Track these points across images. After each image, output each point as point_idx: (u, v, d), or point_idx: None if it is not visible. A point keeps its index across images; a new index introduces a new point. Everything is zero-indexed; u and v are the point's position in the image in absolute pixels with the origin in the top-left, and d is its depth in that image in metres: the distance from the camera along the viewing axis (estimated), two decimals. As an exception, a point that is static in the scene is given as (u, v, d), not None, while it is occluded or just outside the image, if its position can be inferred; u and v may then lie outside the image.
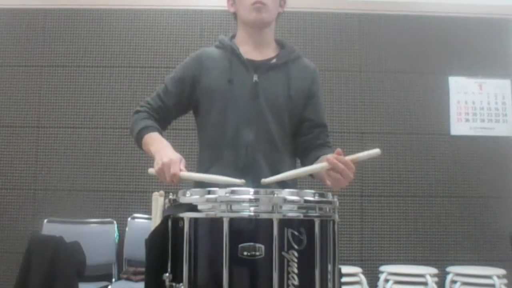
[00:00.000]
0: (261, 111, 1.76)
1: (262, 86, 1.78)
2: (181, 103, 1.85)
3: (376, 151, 1.48)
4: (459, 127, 4.18)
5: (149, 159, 1.67)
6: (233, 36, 1.91)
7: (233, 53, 1.82)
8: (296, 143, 1.86)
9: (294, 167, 1.83)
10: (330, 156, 1.48)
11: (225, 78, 1.78)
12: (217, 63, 1.82)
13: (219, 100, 1.77)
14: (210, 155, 1.79)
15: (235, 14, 1.89)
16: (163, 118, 1.85)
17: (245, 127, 1.74)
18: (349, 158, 1.47)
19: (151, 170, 1.60)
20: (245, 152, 1.72)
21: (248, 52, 1.83)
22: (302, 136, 1.85)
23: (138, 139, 1.78)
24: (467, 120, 4.19)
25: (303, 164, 1.83)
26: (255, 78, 1.78)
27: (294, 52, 1.88)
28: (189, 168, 1.57)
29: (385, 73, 4.21)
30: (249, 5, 1.77)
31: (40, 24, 4.18)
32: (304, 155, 1.85)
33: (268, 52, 1.86)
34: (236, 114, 1.75)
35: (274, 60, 1.83)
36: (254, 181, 1.47)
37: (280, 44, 1.91)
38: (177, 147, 1.64)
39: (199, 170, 1.81)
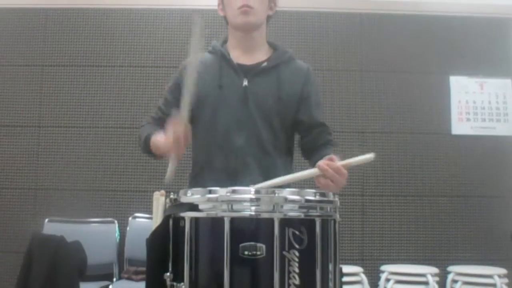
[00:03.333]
0: (251, 116, 1.76)
1: (252, 91, 1.77)
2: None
3: (369, 156, 1.46)
4: (460, 126, 4.18)
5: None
6: (225, 41, 1.91)
7: (223, 58, 1.82)
8: (301, 145, 1.87)
9: (286, 171, 1.82)
10: (320, 162, 1.48)
11: (215, 83, 1.78)
12: (208, 69, 1.82)
13: (209, 105, 1.78)
14: (201, 159, 1.80)
15: (225, 18, 1.89)
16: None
17: (235, 132, 1.75)
18: (341, 163, 1.47)
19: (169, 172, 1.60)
20: (235, 157, 1.73)
21: (239, 56, 1.83)
22: (302, 138, 1.86)
23: (147, 148, 1.80)
24: (468, 119, 4.19)
25: (311, 164, 1.82)
26: (245, 82, 1.78)
27: (287, 54, 1.87)
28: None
29: (386, 72, 4.21)
30: (236, 9, 1.77)
31: (41, 23, 4.19)
32: (309, 156, 1.84)
33: (259, 56, 1.85)
34: (226, 118, 1.76)
35: (264, 64, 1.82)
36: (245, 185, 1.46)
37: (273, 47, 1.90)
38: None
39: (191, 173, 1.84)
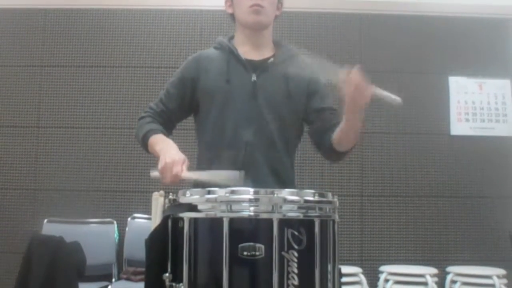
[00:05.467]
0: (260, 111, 1.77)
1: (260, 86, 1.78)
2: (183, 105, 1.86)
3: (398, 99, 1.57)
4: (459, 127, 4.18)
5: (150, 159, 1.68)
6: (232, 37, 1.92)
7: (231, 53, 1.83)
8: (312, 132, 1.85)
9: (292, 166, 1.85)
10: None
11: (223, 78, 1.79)
12: (215, 64, 1.82)
13: (217, 100, 1.78)
14: (209, 155, 1.79)
15: (232, 16, 1.90)
16: (167, 121, 1.86)
17: (244, 127, 1.75)
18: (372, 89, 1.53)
19: (154, 174, 1.59)
20: (244, 152, 1.73)
21: (246, 52, 1.84)
22: (314, 123, 1.84)
23: (144, 143, 1.79)
24: (467, 120, 4.19)
25: (320, 146, 1.83)
26: (254, 77, 1.79)
27: (292, 50, 1.89)
28: (189, 168, 1.57)
29: (385, 73, 4.19)
30: (247, 8, 1.78)
31: (40, 24, 4.18)
32: (320, 139, 1.82)
33: (265, 52, 1.87)
34: (235, 114, 1.76)
35: (272, 59, 1.84)
36: (253, 180, 1.47)
37: (277, 44, 1.92)
38: (179, 146, 1.65)
39: (198, 170, 1.82)
